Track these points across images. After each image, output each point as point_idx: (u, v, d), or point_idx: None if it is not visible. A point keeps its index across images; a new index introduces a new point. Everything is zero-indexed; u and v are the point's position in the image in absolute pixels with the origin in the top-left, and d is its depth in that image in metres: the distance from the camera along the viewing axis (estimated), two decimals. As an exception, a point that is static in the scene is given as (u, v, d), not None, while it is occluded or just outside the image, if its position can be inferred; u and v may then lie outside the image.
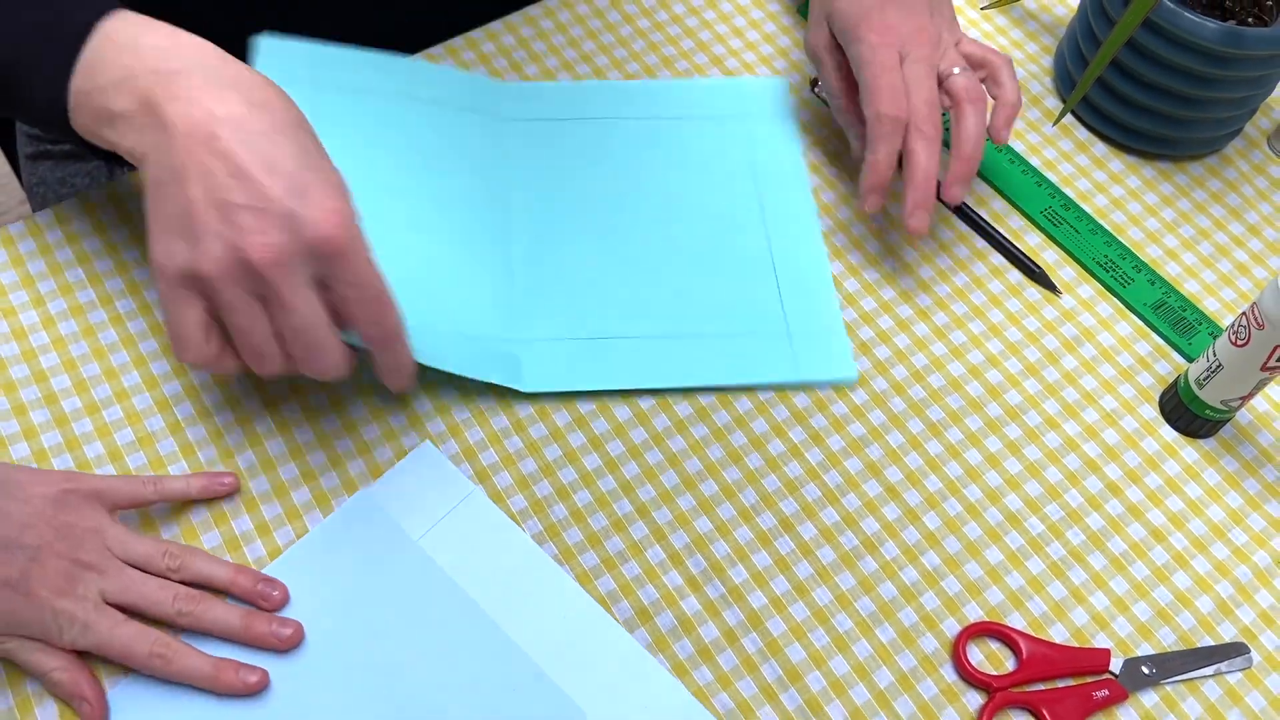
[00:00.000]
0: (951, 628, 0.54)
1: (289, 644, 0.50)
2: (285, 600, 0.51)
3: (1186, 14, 0.64)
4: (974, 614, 0.54)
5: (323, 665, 0.50)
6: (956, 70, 0.60)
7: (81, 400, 0.56)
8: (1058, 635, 0.54)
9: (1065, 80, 0.73)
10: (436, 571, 0.53)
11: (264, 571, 0.52)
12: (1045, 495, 0.58)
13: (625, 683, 0.51)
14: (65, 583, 0.48)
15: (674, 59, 0.72)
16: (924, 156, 0.59)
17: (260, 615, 0.50)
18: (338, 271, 0.47)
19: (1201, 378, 0.58)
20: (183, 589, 0.50)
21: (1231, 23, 0.65)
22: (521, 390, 0.57)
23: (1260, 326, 0.53)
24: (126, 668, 0.49)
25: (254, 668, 0.49)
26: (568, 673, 0.51)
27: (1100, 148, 0.71)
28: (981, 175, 0.69)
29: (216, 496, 0.54)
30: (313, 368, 0.49)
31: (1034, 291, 0.65)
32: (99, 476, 0.51)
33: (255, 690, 0.49)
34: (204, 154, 0.45)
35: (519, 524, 0.54)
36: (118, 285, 0.60)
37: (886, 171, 0.60)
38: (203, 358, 0.48)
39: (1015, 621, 0.54)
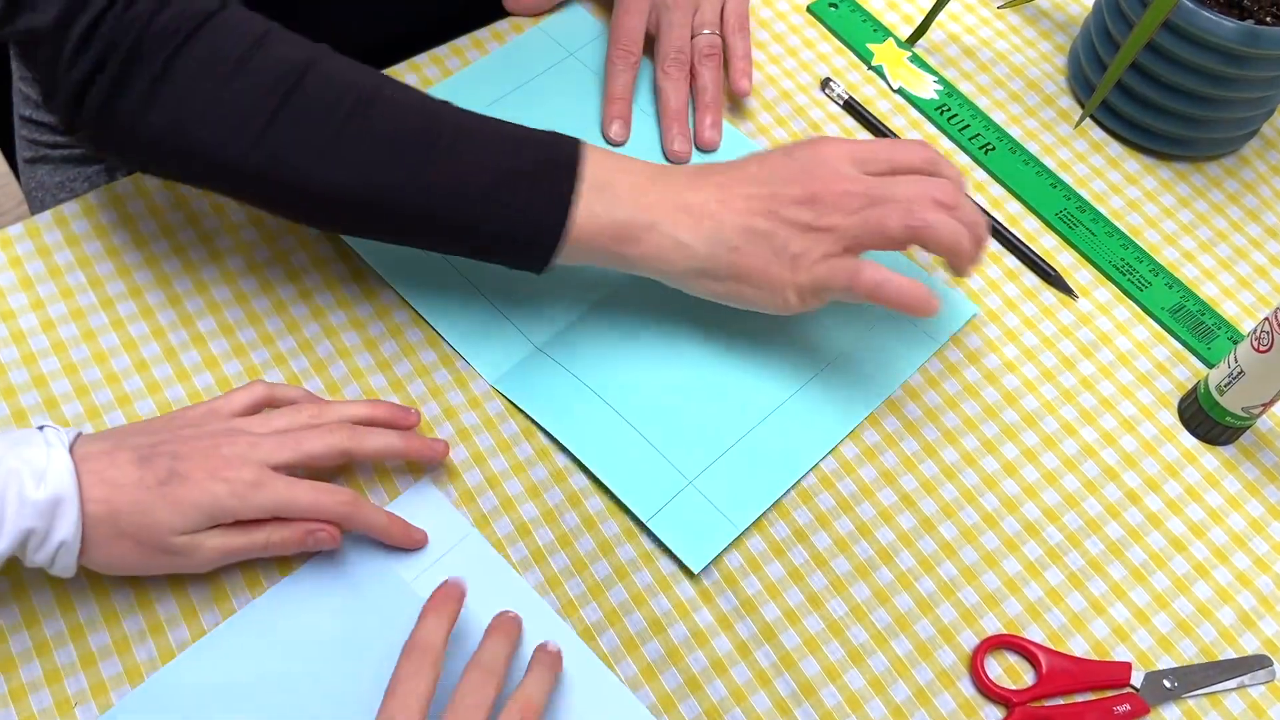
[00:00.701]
0: (969, 640, 0.53)
1: (444, 454, 0.54)
2: (419, 421, 0.55)
3: (1204, 13, 0.62)
4: (992, 626, 0.53)
5: (310, 708, 0.49)
6: (706, 31, 0.67)
7: (82, 405, 0.55)
8: (1077, 648, 0.53)
9: (1080, 79, 0.72)
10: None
11: (247, 608, 0.51)
12: (1063, 504, 0.57)
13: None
14: (220, 460, 0.48)
15: (683, 58, 0.71)
16: (671, 95, 0.66)
17: (413, 435, 0.54)
18: (858, 155, 0.56)
19: (1222, 384, 0.57)
20: (335, 424, 0.52)
21: (1250, 22, 0.63)
22: (695, 570, 0.53)
23: (1284, 333, 0.52)
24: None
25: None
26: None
27: (1116, 148, 0.70)
28: (995, 177, 0.68)
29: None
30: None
31: (1050, 295, 0.64)
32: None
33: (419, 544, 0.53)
34: (763, 209, 0.54)
35: (519, 571, 0.53)
36: (119, 288, 0.58)
37: (619, 103, 0.66)
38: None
39: (1034, 634, 0.53)
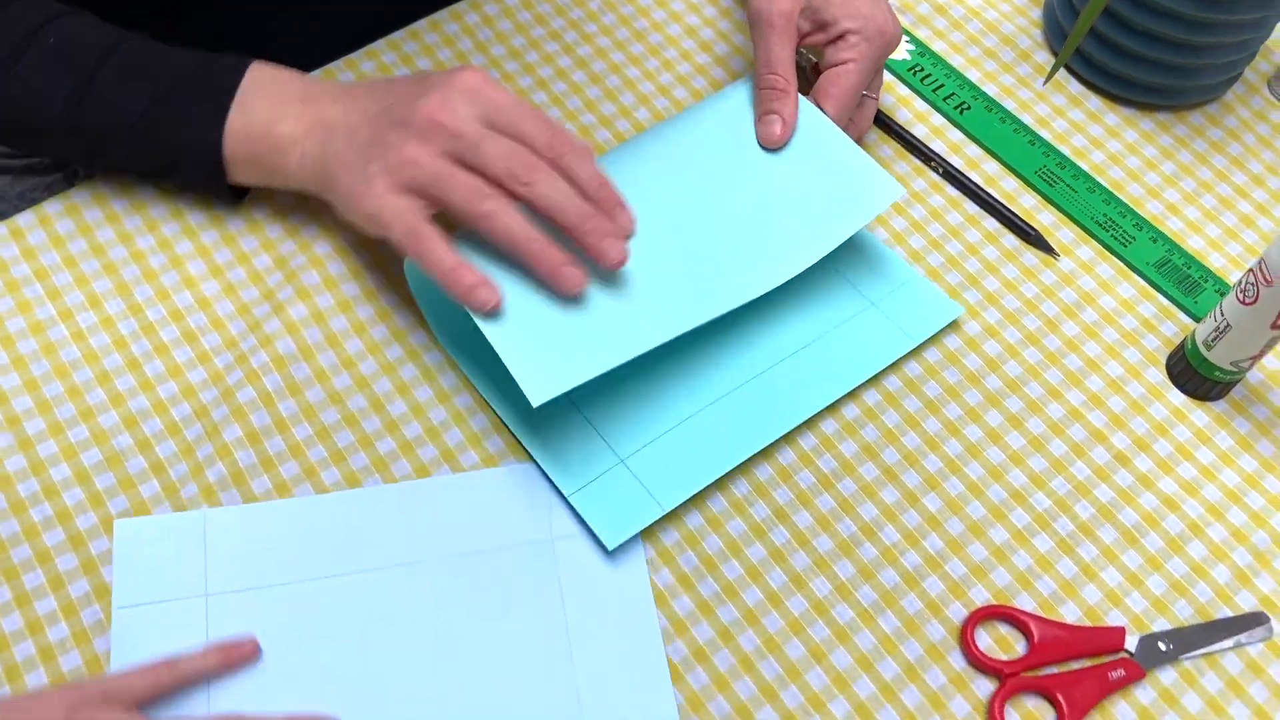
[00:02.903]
0: (958, 613, 0.52)
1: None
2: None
3: (1179, -44, 0.61)
4: (981, 597, 0.52)
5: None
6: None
7: (45, 421, 0.54)
8: (1069, 615, 0.52)
9: (1055, 32, 0.70)
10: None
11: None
12: (1050, 469, 0.56)
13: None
14: None
15: (630, 56, 0.69)
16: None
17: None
18: (493, 100, 0.52)
19: (1209, 339, 0.55)
20: None
21: (1227, -38, 0.62)
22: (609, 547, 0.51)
23: (1269, 283, 0.51)
24: None
25: None
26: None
27: (1094, 101, 0.68)
28: (971, 136, 0.66)
29: (236, 666, 0.49)
30: (541, 178, 0.52)
31: (1031, 256, 0.62)
32: (105, 678, 0.47)
33: None
34: (341, 105, 0.55)
35: None
36: (78, 299, 0.58)
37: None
38: (443, 258, 0.51)
39: (1024, 603, 0.52)
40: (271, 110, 0.55)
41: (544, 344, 0.51)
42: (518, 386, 0.54)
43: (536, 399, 0.50)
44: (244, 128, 0.55)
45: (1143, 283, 0.62)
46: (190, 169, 0.57)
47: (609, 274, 0.53)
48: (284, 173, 0.56)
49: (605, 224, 0.52)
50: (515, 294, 0.52)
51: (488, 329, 0.51)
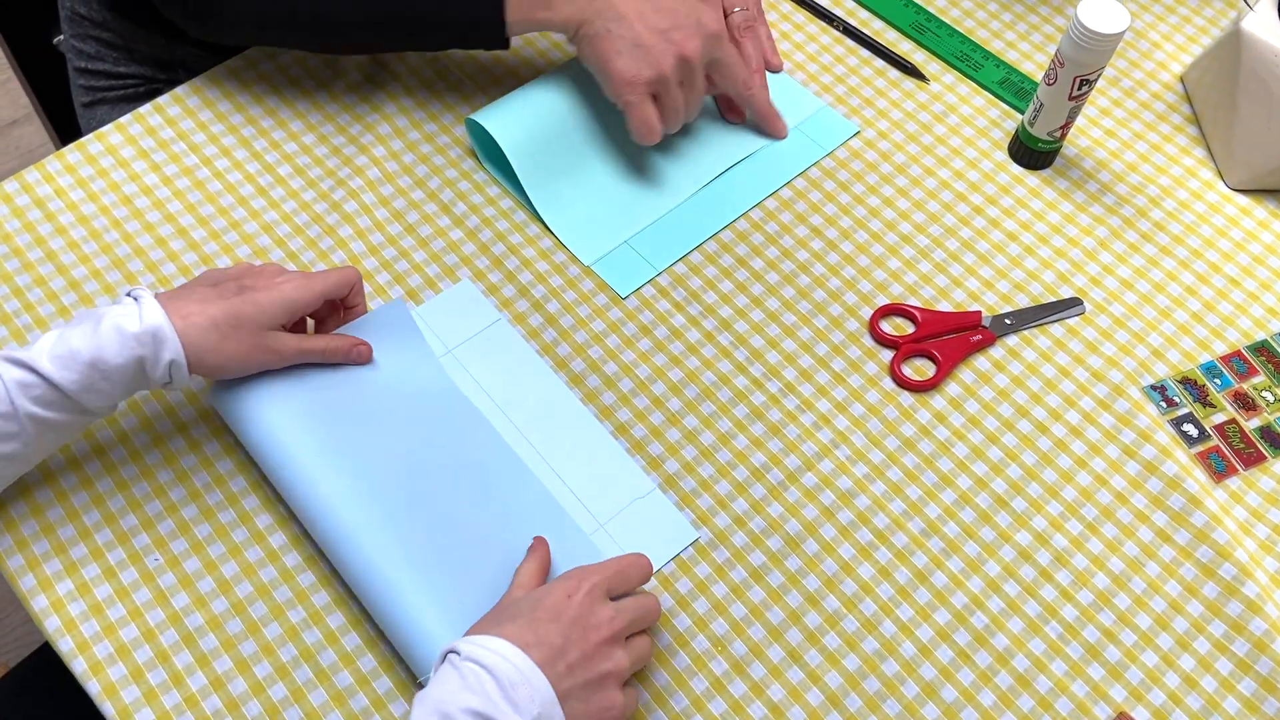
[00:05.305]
0: (867, 312, 0.74)
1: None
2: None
3: None
4: (882, 301, 0.74)
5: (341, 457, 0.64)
6: (738, 9, 0.81)
7: (205, 231, 0.74)
8: (943, 309, 0.74)
9: (920, -74, 0.92)
10: (449, 383, 0.68)
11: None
12: (928, 219, 0.78)
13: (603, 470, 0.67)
14: (270, 281, 0.64)
15: None
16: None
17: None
18: (722, 52, 0.76)
19: (1031, 119, 0.78)
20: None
21: None
22: (621, 294, 0.74)
23: (1062, 65, 0.73)
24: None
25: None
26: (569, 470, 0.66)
27: (952, -26, 0.91)
28: (861, 3, 0.89)
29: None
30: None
31: (909, 83, 0.85)
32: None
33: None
34: (633, 5, 0.73)
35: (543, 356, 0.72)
36: (213, 151, 0.78)
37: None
38: (656, 135, 0.75)
39: (913, 303, 0.74)
40: None
41: (580, 222, 0.77)
42: (556, 196, 0.77)
43: (587, 259, 0.75)
44: None
45: (990, 96, 0.85)
46: (479, 39, 0.74)
47: (629, 168, 0.79)
48: (547, 24, 0.74)
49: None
50: (566, 185, 0.77)
51: (547, 215, 0.76)
